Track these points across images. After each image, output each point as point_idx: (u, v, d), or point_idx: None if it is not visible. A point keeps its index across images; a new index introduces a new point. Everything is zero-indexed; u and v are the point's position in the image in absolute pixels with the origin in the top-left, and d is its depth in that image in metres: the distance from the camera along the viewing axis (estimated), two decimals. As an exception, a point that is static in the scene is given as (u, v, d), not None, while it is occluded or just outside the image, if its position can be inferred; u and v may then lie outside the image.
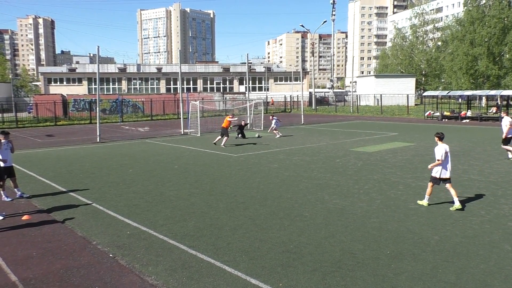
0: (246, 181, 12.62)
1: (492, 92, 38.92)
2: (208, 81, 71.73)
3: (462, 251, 6.85)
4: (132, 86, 69.21)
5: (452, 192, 9.32)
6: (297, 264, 6.45)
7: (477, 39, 51.15)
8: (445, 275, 5.99)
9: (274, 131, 25.27)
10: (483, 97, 51.22)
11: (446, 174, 9.31)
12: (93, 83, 65.77)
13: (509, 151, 15.94)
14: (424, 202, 9.66)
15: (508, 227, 8.01)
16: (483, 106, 48.89)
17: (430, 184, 9.58)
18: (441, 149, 9.32)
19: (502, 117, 16.72)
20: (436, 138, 9.61)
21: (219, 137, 21.14)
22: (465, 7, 54.08)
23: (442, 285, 5.69)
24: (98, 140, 23.99)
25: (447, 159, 9.36)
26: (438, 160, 9.26)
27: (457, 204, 9.24)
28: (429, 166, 9.62)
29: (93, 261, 6.81)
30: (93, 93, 58.85)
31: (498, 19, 49.61)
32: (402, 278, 5.91)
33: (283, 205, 9.85)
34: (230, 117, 21.32)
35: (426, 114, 39.48)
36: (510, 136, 15.99)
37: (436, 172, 9.39)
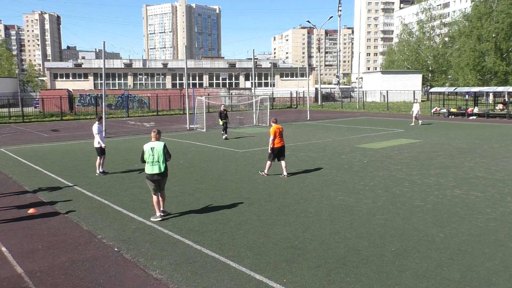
0: (251, 176, 12.63)
1: (500, 89, 38.57)
2: (214, 77, 71.68)
3: (467, 249, 6.81)
4: (138, 82, 69.27)
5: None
6: (302, 260, 6.45)
7: (484, 34, 50.59)
8: (450, 273, 5.96)
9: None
10: (490, 94, 50.78)
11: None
12: (99, 78, 65.93)
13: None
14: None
15: (515, 225, 7.95)
16: (490, 102, 48.49)
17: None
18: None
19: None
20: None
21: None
22: (473, 2, 53.53)
23: (446, 283, 5.67)
24: (104, 135, 24.02)
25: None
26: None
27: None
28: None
29: (98, 254, 6.85)
30: (99, 88, 58.99)
31: (507, 14, 48.98)
32: (407, 275, 5.89)
33: (288, 201, 9.85)
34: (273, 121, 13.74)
35: (432, 111, 39.25)
36: None
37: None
